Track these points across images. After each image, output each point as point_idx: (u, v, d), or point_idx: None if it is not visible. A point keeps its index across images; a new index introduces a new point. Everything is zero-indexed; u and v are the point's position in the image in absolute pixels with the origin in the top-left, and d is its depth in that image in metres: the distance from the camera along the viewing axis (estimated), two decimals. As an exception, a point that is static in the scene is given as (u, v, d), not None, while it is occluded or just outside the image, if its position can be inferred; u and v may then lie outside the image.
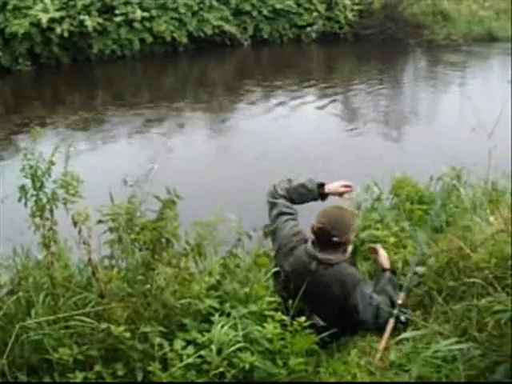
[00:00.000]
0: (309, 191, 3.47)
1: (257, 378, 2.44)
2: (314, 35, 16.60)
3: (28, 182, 2.65)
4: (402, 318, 3.05)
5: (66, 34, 13.07)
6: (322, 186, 3.48)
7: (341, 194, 3.54)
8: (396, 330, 3.05)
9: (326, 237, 3.11)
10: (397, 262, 3.59)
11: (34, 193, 2.65)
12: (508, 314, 2.35)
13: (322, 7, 16.56)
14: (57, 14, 13.03)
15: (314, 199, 3.51)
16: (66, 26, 13.14)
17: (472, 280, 2.86)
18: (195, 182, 6.93)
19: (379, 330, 3.02)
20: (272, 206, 3.38)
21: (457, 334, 2.71)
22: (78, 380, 2.31)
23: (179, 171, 7.21)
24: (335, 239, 3.10)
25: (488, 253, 3.01)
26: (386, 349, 2.89)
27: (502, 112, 4.29)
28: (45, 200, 2.67)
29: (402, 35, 16.87)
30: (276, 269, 3.23)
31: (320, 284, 3.07)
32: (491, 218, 3.45)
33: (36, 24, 12.83)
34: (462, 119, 8.47)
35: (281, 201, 3.38)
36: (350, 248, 3.29)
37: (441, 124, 10.03)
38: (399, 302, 3.13)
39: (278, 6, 15.85)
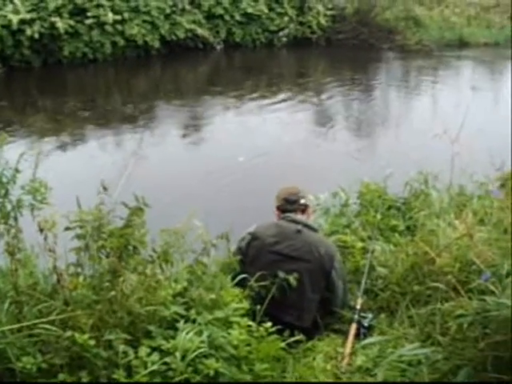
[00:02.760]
0: None
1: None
2: (284, 39, 16.66)
3: (-7, 189, 2.62)
4: (365, 322, 3.13)
5: (36, 36, 12.91)
6: None
7: None
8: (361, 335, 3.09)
9: (296, 199, 3.62)
10: (363, 267, 3.65)
11: (-1, 200, 2.63)
12: (469, 319, 2.39)
13: (293, 12, 16.63)
14: (27, 16, 12.86)
15: None
16: (36, 27, 12.95)
17: (436, 285, 2.91)
18: (167, 186, 6.92)
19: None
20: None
21: (421, 338, 2.76)
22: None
23: (150, 175, 7.17)
24: (303, 201, 3.64)
25: (452, 257, 3.06)
26: (352, 353, 2.93)
27: (466, 117, 4.38)
28: (9, 207, 2.64)
29: (375, 40, 17.03)
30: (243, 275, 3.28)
31: (306, 243, 3.46)
32: (456, 223, 3.51)
33: (6, 25, 12.65)
34: (431, 124, 8.59)
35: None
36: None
37: (411, 129, 10.14)
38: (358, 306, 3.22)
39: (250, 10, 15.87)
